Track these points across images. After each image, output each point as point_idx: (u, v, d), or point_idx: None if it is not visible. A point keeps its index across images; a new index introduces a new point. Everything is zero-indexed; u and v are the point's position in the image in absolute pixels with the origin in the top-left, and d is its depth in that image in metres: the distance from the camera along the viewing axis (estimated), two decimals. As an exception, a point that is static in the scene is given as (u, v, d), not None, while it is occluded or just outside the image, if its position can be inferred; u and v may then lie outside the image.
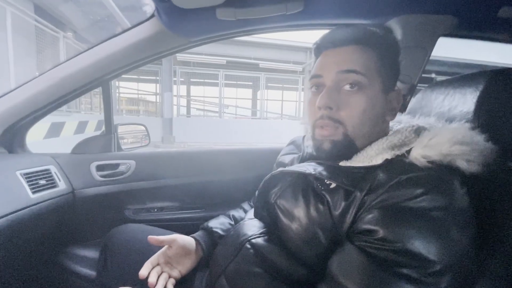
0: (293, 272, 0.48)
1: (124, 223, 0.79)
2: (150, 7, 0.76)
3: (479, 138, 0.43)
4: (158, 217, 0.98)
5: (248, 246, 0.53)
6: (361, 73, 0.47)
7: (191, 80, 10.85)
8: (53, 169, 0.86)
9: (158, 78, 8.73)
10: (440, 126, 0.48)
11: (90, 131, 5.21)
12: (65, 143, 3.99)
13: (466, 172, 0.41)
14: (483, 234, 0.41)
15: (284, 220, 0.51)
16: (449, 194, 0.38)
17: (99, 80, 0.88)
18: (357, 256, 0.39)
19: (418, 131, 0.49)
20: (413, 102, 0.72)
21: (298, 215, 0.49)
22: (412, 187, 0.39)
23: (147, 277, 0.57)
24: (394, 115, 0.53)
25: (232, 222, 0.71)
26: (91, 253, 0.88)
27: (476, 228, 0.39)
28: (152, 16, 0.78)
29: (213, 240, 0.66)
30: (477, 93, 0.50)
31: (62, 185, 0.85)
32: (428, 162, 0.41)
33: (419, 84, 0.82)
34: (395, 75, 0.53)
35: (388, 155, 0.45)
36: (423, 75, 0.80)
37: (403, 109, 0.78)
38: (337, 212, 0.44)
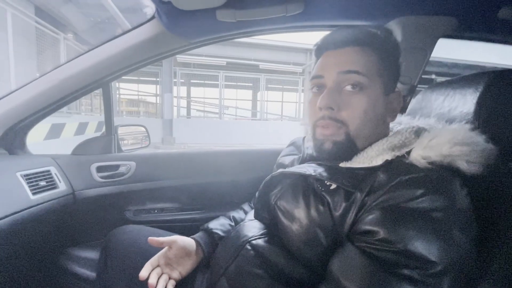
0: (294, 273, 0.48)
1: (124, 224, 0.79)
2: (150, 9, 0.77)
3: (479, 139, 0.43)
4: (158, 218, 0.98)
5: (249, 247, 0.53)
6: (363, 74, 0.48)
7: (191, 81, 10.87)
8: (54, 170, 0.86)
9: (158, 79, 8.75)
10: (440, 127, 0.49)
11: (91, 133, 5.22)
12: (66, 144, 3.99)
13: (467, 173, 0.41)
14: (484, 235, 0.41)
15: (285, 221, 0.51)
16: (449, 195, 0.38)
17: (99, 81, 0.88)
18: (357, 257, 0.39)
19: (418, 132, 0.49)
20: (413, 103, 0.72)
21: (298, 216, 0.49)
22: (413, 188, 0.39)
23: (147, 279, 0.57)
24: (394, 116, 0.53)
25: (233, 223, 0.71)
26: (91, 254, 0.88)
27: (477, 229, 0.39)
28: (153, 17, 0.78)
29: (213, 241, 0.66)
30: (477, 94, 0.50)
31: (62, 186, 0.85)
32: (428, 163, 0.41)
33: (419, 85, 0.82)
34: (396, 77, 0.53)
35: (389, 156, 0.45)
36: (423, 76, 0.81)
37: (403, 110, 0.78)
38: (337, 213, 0.44)
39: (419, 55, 0.79)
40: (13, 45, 3.55)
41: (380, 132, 0.52)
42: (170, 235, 0.64)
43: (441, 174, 0.40)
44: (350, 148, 0.50)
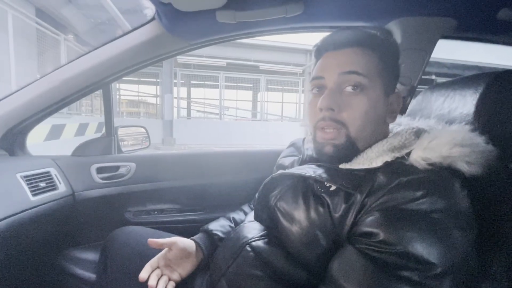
0: (294, 274, 0.48)
1: (124, 225, 0.79)
2: (150, 10, 0.77)
3: (479, 140, 0.43)
4: (158, 219, 0.98)
5: (249, 248, 0.53)
6: (363, 75, 0.48)
7: (192, 82, 10.88)
8: (54, 172, 0.86)
9: (158, 80, 8.76)
10: (440, 128, 0.49)
11: (91, 133, 5.22)
12: (66, 145, 3.99)
13: (467, 174, 0.40)
14: (484, 236, 0.41)
15: (284, 222, 0.51)
16: (449, 196, 0.38)
17: (99, 82, 0.88)
18: (357, 258, 0.39)
19: (418, 133, 0.49)
20: (413, 104, 0.72)
21: (298, 218, 0.49)
22: (413, 189, 0.38)
23: (147, 280, 0.57)
24: (394, 118, 0.53)
25: (232, 225, 0.71)
26: (91, 256, 0.88)
27: (477, 230, 0.39)
28: (153, 19, 0.78)
29: (213, 242, 0.66)
30: (477, 95, 0.50)
31: (62, 188, 0.85)
32: (428, 164, 0.41)
33: (419, 86, 0.82)
34: (396, 78, 0.53)
35: (388, 158, 0.45)
36: (423, 76, 0.81)
37: (403, 111, 0.78)
38: (337, 215, 0.44)
39: (419, 56, 0.79)
40: (14, 46, 3.55)
41: (380, 133, 0.52)
42: (170, 237, 0.64)
43: (441, 175, 0.40)
44: (351, 150, 0.50)
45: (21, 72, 3.76)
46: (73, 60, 0.85)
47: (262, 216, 0.59)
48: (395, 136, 0.49)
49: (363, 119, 0.48)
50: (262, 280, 0.49)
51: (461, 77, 0.58)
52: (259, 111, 9.89)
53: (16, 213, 0.67)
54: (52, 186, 0.82)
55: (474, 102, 0.50)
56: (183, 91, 10.06)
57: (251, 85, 10.75)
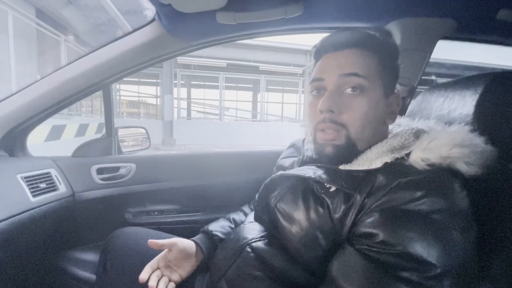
0: (294, 275, 0.48)
1: (124, 226, 0.79)
2: (150, 11, 0.77)
3: (478, 141, 0.43)
4: (158, 220, 0.98)
5: (249, 249, 0.53)
6: (363, 76, 0.48)
7: (192, 82, 10.89)
8: (54, 172, 0.86)
9: (158, 80, 8.76)
10: (439, 129, 0.49)
11: (91, 134, 5.22)
12: (66, 146, 3.99)
13: (466, 174, 0.41)
14: (484, 237, 0.41)
15: (284, 223, 0.51)
16: (449, 197, 0.38)
17: (100, 83, 0.89)
18: (357, 259, 0.39)
19: (418, 134, 0.49)
20: (413, 104, 0.72)
21: (298, 219, 0.49)
22: (412, 190, 0.39)
23: (147, 281, 0.57)
24: (394, 118, 0.53)
25: (233, 225, 0.71)
26: (91, 257, 0.88)
27: (477, 231, 0.39)
28: (153, 20, 0.78)
29: (213, 243, 0.66)
30: (477, 96, 0.50)
31: (62, 188, 0.85)
32: (428, 165, 0.41)
33: (419, 87, 0.82)
34: (395, 78, 0.53)
35: (388, 158, 0.45)
36: (423, 77, 0.81)
37: (402, 111, 0.78)
38: (337, 216, 0.44)
39: (419, 57, 0.79)
40: (14, 47, 3.56)
41: (380, 134, 0.52)
42: (170, 237, 0.64)
43: (441, 176, 0.40)
44: (351, 151, 0.50)
45: (21, 72, 3.76)
46: (74, 61, 0.85)
47: (262, 217, 0.59)
48: (395, 137, 0.50)
49: (363, 120, 0.48)
50: (262, 281, 0.49)
51: (460, 78, 0.59)
52: (259, 112, 9.89)
53: (16, 214, 0.67)
54: (52, 187, 0.82)
55: (474, 102, 0.50)
56: (183, 92, 10.07)
57: (251, 86, 10.76)
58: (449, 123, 0.52)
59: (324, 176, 0.49)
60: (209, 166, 1.05)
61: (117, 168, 0.97)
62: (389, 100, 0.52)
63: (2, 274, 0.72)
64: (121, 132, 1.06)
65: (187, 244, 0.64)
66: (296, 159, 0.66)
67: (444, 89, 0.61)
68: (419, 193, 0.38)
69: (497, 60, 6.12)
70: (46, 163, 0.87)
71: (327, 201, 0.46)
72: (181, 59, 8.32)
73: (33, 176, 0.78)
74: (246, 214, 0.76)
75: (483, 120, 0.49)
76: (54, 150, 3.70)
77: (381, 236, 0.37)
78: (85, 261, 0.87)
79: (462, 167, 0.40)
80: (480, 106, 0.49)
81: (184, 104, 9.89)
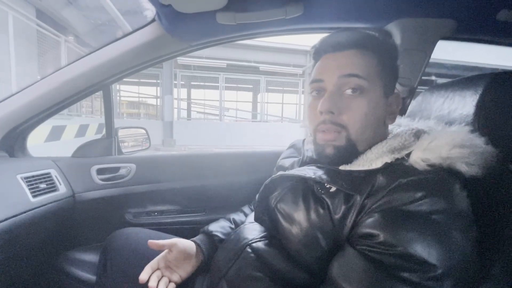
0: (294, 276, 0.48)
1: (124, 226, 0.79)
2: (151, 12, 0.77)
3: (478, 141, 0.43)
4: (158, 221, 0.98)
5: (249, 250, 0.53)
6: (363, 77, 0.48)
7: (192, 83, 10.90)
8: (54, 173, 0.86)
9: (158, 81, 8.77)
10: (439, 129, 0.49)
11: (91, 135, 5.22)
12: (66, 146, 3.99)
13: (466, 175, 0.40)
14: (484, 237, 0.41)
15: (285, 224, 0.51)
16: (449, 197, 0.38)
17: (100, 84, 0.89)
18: (357, 260, 0.39)
19: (418, 134, 0.49)
20: (413, 105, 0.72)
21: (298, 219, 0.49)
22: (412, 190, 0.38)
23: (147, 281, 0.57)
24: (394, 119, 0.53)
25: (233, 226, 0.71)
26: (91, 257, 0.88)
27: (477, 231, 0.39)
28: (153, 20, 0.78)
29: (213, 244, 0.66)
30: (477, 96, 0.50)
31: (62, 189, 0.85)
32: (428, 165, 0.41)
33: (419, 87, 0.82)
34: (395, 79, 0.53)
35: (388, 159, 0.45)
36: (423, 77, 0.81)
37: (403, 112, 0.78)
38: (337, 216, 0.44)
39: (419, 57, 0.79)
40: (14, 47, 3.56)
41: (380, 134, 0.52)
42: (170, 238, 0.64)
43: (441, 177, 0.40)
44: (351, 152, 0.50)
45: (22, 73, 3.76)
46: (74, 62, 0.85)
47: (263, 217, 0.59)
48: (395, 137, 0.50)
49: (363, 121, 0.48)
50: (262, 282, 0.49)
51: (461, 78, 0.59)
52: (259, 112, 9.90)
53: (16, 215, 0.67)
54: (52, 188, 0.82)
55: (474, 103, 0.50)
56: (183, 92, 10.08)
57: (251, 86, 10.75)
58: (449, 123, 0.52)
59: (324, 176, 0.49)
60: (209, 167, 1.05)
61: (117, 169, 0.97)
62: (389, 100, 0.52)
63: (2, 275, 0.72)
64: (121, 133, 1.06)
65: (187, 244, 0.64)
66: (296, 159, 0.66)
67: (444, 90, 0.61)
68: (419, 194, 0.38)
69: (497, 60, 6.12)
70: (46, 163, 0.87)
71: (327, 201, 0.46)
72: (181, 60, 8.33)
73: (33, 176, 0.78)
74: (246, 215, 0.76)
75: (484, 121, 0.48)
76: (54, 150, 3.71)
77: (381, 236, 0.37)
78: (85, 262, 0.87)
79: (462, 167, 0.40)
80: (480, 107, 0.49)
81: (184, 104, 9.89)
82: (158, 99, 9.36)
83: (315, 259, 0.46)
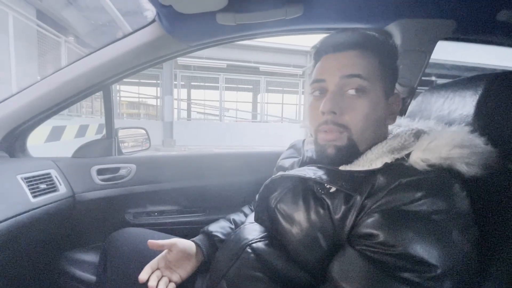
0: (294, 276, 0.48)
1: (124, 227, 0.79)
2: (151, 12, 0.77)
3: (478, 141, 0.43)
4: (158, 221, 0.98)
5: (249, 250, 0.53)
6: (364, 78, 0.48)
7: (192, 83, 10.90)
8: (54, 173, 0.86)
9: (158, 81, 8.78)
10: (439, 130, 0.49)
11: (91, 135, 5.22)
12: (66, 147, 3.99)
13: (466, 175, 0.41)
14: (485, 237, 0.41)
15: (285, 224, 0.51)
16: (449, 197, 0.38)
17: (100, 84, 0.89)
18: (357, 260, 0.39)
19: (418, 134, 0.49)
20: (413, 105, 0.72)
21: (298, 219, 0.49)
22: (412, 190, 0.39)
23: (147, 281, 0.57)
24: (394, 119, 0.53)
25: (233, 226, 0.71)
26: (91, 257, 0.88)
27: (477, 231, 0.39)
28: (153, 21, 0.78)
29: (213, 244, 0.66)
30: (477, 97, 0.50)
31: (62, 189, 0.85)
32: (428, 165, 0.41)
33: (419, 87, 0.82)
34: (395, 79, 0.53)
35: (388, 159, 0.45)
36: (423, 78, 0.81)
37: (403, 112, 0.78)
38: (337, 216, 0.44)
39: (419, 58, 0.79)
40: (14, 48, 3.56)
41: (380, 134, 0.52)
42: (170, 238, 0.64)
43: (441, 177, 0.40)
44: (352, 152, 0.50)
45: (22, 73, 3.77)
46: (74, 62, 0.85)
47: (263, 217, 0.59)
48: (395, 137, 0.50)
49: (364, 121, 0.48)
50: (262, 282, 0.49)
51: (461, 78, 0.59)
52: (259, 113, 9.90)
53: (16, 215, 0.67)
54: (52, 188, 0.82)
55: (474, 103, 0.50)
56: (183, 93, 10.08)
57: (251, 87, 10.77)
58: (449, 123, 0.52)
59: (324, 176, 0.49)
60: (209, 167, 1.05)
61: (117, 169, 0.97)
62: (389, 100, 0.52)
63: (2, 275, 0.72)
64: (121, 133, 1.06)
65: (187, 244, 0.64)
66: (296, 159, 0.66)
67: (444, 90, 0.61)
68: (419, 194, 0.38)
69: (497, 60, 6.12)
70: (46, 163, 0.87)
71: (328, 201, 0.46)
72: (181, 60, 8.33)
73: (33, 177, 0.78)
74: (246, 215, 0.76)
75: (483, 121, 0.49)
76: (54, 151, 3.71)
77: (381, 236, 0.37)
78: (85, 262, 0.87)
79: (462, 167, 0.40)
80: (480, 107, 0.49)
81: (184, 105, 9.90)
82: (158, 100, 9.37)
83: (315, 259, 0.46)
